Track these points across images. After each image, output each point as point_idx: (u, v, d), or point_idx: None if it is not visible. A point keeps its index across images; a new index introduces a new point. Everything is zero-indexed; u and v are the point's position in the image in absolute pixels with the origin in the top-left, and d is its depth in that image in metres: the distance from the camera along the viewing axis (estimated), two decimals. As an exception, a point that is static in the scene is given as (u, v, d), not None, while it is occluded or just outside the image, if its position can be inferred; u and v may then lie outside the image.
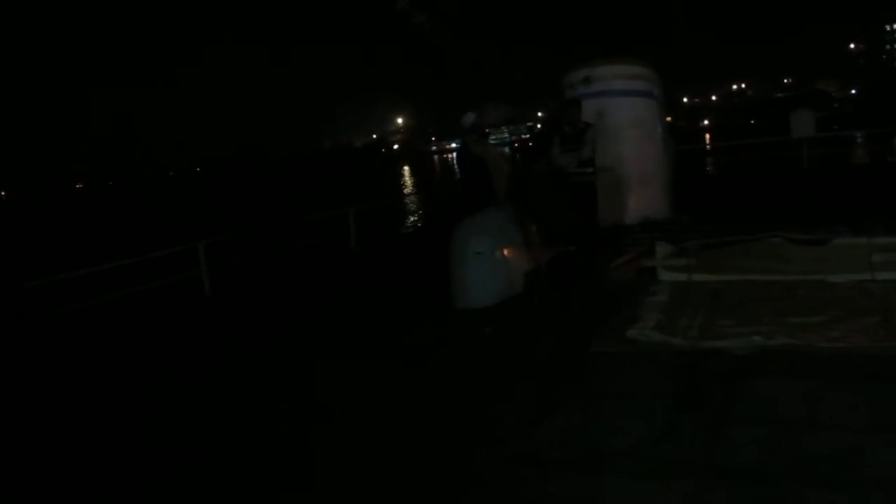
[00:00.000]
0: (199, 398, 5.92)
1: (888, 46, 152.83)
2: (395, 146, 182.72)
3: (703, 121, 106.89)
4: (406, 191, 53.58)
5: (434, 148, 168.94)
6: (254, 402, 5.63)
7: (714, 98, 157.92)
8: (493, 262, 7.44)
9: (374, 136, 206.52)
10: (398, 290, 8.83)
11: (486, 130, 9.89)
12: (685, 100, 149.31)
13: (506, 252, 7.62)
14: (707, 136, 64.44)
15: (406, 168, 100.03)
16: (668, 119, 14.57)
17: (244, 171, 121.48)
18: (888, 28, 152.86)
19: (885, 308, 6.03)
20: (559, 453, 4.09)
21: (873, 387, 4.53)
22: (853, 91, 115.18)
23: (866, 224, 7.67)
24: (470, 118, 8.87)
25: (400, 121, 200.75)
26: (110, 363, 7.34)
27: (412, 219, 25.86)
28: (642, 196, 11.42)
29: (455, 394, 5.26)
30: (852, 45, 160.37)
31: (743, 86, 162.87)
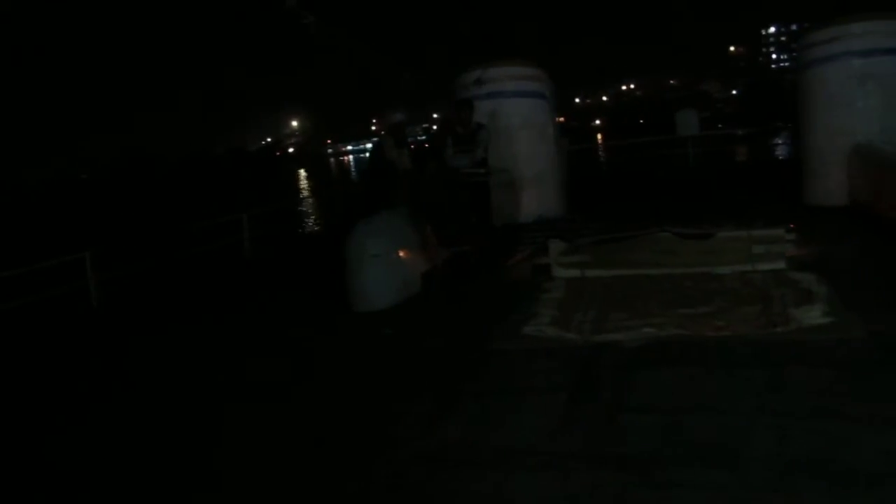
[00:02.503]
0: (81, 411, 5.71)
1: (765, 49, 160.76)
2: (291, 150, 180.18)
3: (594, 120, 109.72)
4: (303, 194, 52.93)
5: (330, 151, 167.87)
6: (141, 415, 5.43)
7: (605, 98, 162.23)
8: (389, 264, 7.41)
9: (269, 139, 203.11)
10: (295, 295, 8.72)
11: (383, 133, 9.86)
12: (577, 100, 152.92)
13: (402, 253, 7.61)
14: (599, 135, 66.21)
15: (302, 171, 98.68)
16: (561, 119, 14.88)
17: (132, 178, 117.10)
18: (764, 32, 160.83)
19: (765, 297, 6.31)
20: (460, 451, 4.10)
21: (755, 372, 4.73)
22: (734, 92, 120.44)
23: (747, 218, 8.01)
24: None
25: (295, 124, 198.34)
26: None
27: (309, 222, 25.56)
28: (535, 195, 11.66)
29: (355, 396, 5.21)
30: (732, 48, 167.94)
31: (632, 86, 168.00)
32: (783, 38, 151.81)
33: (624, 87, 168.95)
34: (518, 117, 11.70)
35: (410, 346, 6.28)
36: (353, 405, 5.04)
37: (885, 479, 3.29)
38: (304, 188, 65.83)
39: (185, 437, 4.90)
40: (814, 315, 5.67)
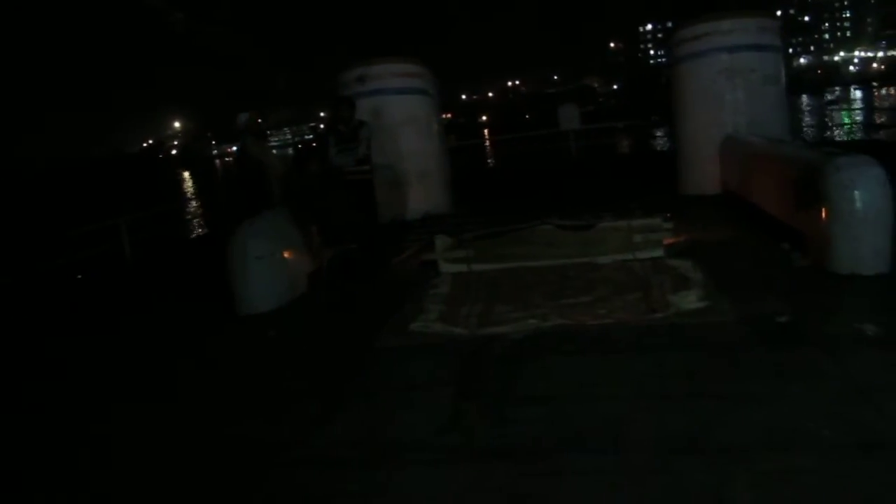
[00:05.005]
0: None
1: (642, 45, 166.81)
2: (173, 151, 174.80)
3: (481, 116, 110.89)
4: (187, 197, 51.49)
5: (215, 151, 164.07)
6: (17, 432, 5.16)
7: (491, 94, 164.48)
8: (273, 266, 7.25)
9: (150, 141, 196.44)
10: (178, 300, 8.46)
11: (268, 132, 9.67)
12: (463, 97, 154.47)
13: (286, 254, 7.48)
14: (485, 131, 66.95)
15: (186, 173, 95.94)
16: (448, 115, 15.01)
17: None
18: (641, 29, 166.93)
19: (645, 284, 6.50)
20: (347, 452, 4.05)
21: (635, 357, 4.89)
22: (615, 86, 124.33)
23: (626, 207, 8.23)
24: (243, 119, 8.62)
25: (177, 125, 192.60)
26: None
27: (193, 226, 24.89)
28: (422, 191, 11.69)
29: (240, 400, 5.09)
30: (612, 44, 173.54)
31: (517, 82, 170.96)
32: (659, 35, 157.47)
33: (509, 84, 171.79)
34: (402, 114, 11.70)
35: (296, 347, 6.19)
36: (238, 409, 4.92)
37: (755, 453, 3.46)
38: (188, 190, 64.06)
39: (60, 440, 4.73)
40: (690, 300, 5.90)
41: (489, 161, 27.23)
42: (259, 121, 8.96)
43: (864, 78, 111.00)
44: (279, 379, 5.44)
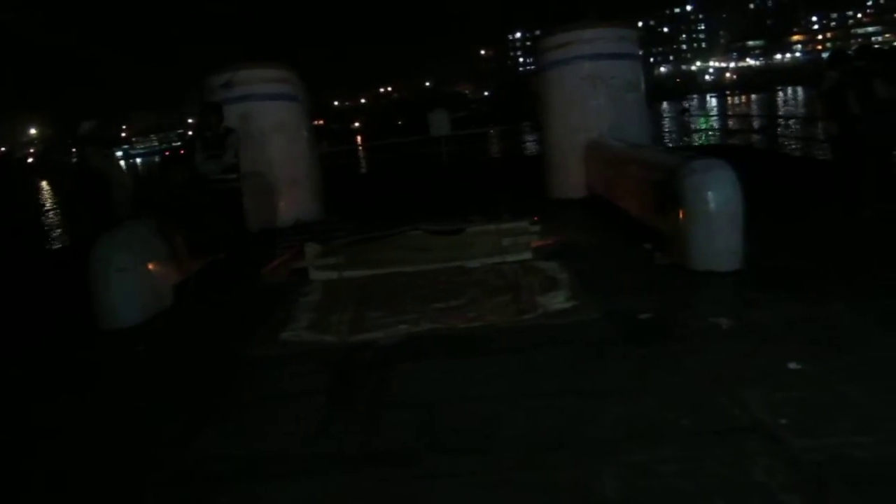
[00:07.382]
0: None
1: (512, 53, 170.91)
2: (30, 159, 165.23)
3: (354, 122, 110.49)
4: (44, 208, 48.82)
5: (75, 160, 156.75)
6: None
7: (364, 101, 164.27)
8: (137, 278, 6.96)
9: (3, 148, 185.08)
10: (35, 318, 7.98)
11: (133, 139, 9.32)
12: (336, 103, 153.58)
13: (150, 266, 7.19)
14: (358, 137, 66.79)
15: (43, 182, 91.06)
16: (321, 122, 14.89)
17: None
18: (511, 37, 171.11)
19: (514, 286, 6.62)
20: (218, 465, 3.93)
21: (505, 358, 4.97)
22: (486, 93, 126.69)
23: (495, 211, 8.37)
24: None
25: (33, 131, 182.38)
26: None
27: (50, 238, 23.64)
28: (292, 198, 11.55)
29: (106, 418, 4.84)
30: (483, 52, 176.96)
31: (389, 89, 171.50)
32: (528, 43, 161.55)
33: (382, 90, 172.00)
34: (270, 120, 11.51)
35: (163, 361, 5.95)
36: (105, 428, 4.68)
37: (620, 445, 3.60)
38: (45, 200, 60.75)
39: None
40: (557, 300, 6.05)
41: (362, 167, 27.18)
42: (111, 129, 8.64)
43: (719, 86, 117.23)
44: (147, 394, 5.22)
